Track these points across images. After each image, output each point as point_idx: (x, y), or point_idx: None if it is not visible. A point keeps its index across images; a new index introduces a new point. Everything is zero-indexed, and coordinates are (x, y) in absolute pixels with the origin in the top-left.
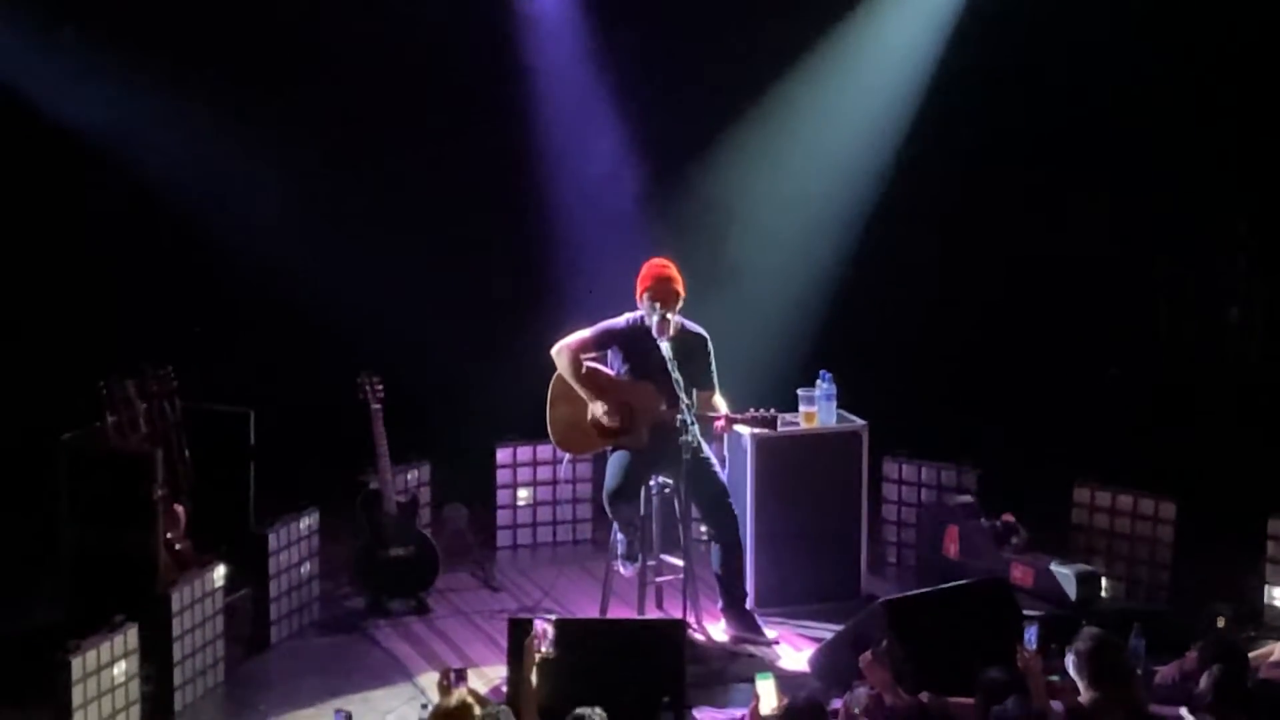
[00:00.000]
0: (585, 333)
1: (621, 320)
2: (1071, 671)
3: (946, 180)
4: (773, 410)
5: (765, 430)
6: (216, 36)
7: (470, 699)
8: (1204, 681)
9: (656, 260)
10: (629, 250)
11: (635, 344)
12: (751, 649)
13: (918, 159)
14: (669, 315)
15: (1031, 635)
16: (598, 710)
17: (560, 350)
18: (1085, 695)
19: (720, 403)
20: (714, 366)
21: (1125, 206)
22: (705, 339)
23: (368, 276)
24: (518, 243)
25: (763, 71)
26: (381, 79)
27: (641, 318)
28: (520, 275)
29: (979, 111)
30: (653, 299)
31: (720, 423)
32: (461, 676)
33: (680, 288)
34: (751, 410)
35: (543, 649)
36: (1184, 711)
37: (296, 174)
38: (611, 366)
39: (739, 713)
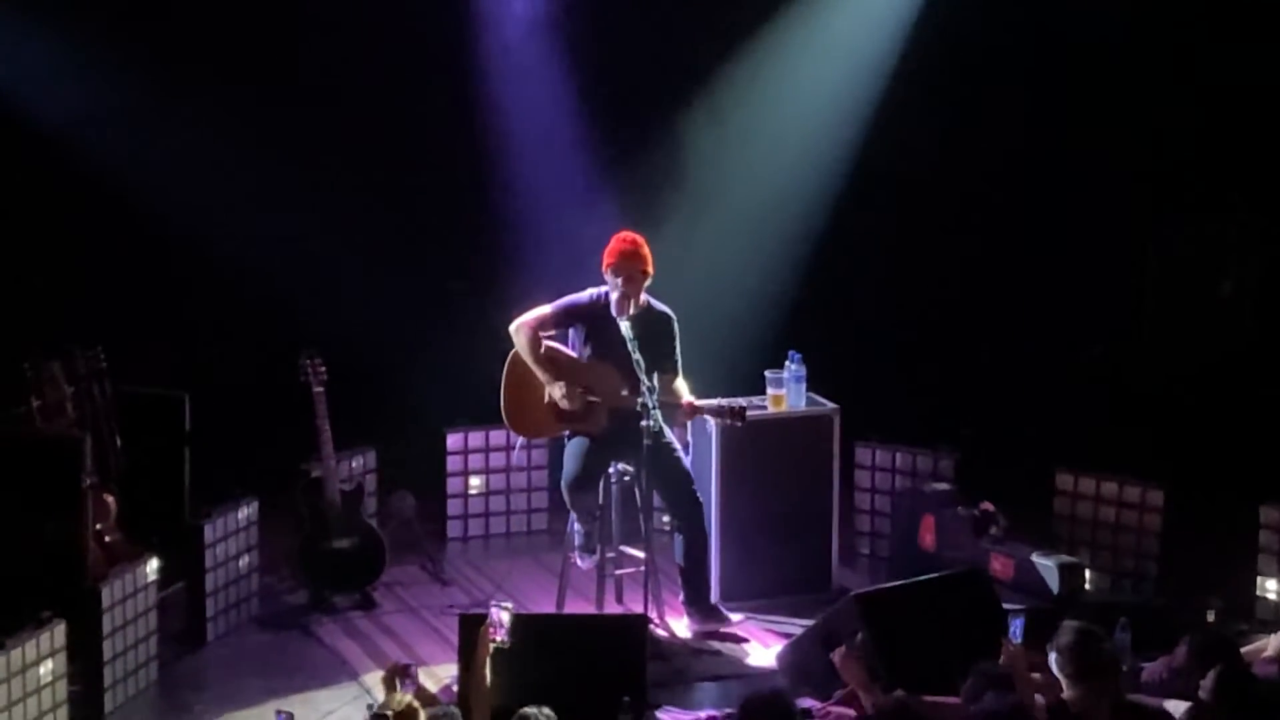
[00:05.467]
0: (545, 309)
1: (584, 296)
2: (1054, 667)
3: (921, 153)
4: (741, 404)
5: (735, 422)
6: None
7: (416, 702)
8: (1206, 684)
9: (627, 234)
10: (586, 227)
11: (598, 322)
12: (716, 645)
13: (891, 131)
14: (630, 293)
15: (1017, 629)
16: (545, 710)
17: (519, 327)
18: (1069, 691)
19: (683, 386)
20: (679, 349)
21: (1111, 179)
22: (671, 319)
23: (310, 250)
24: (469, 218)
25: (729, 44)
26: (327, 52)
27: (606, 294)
28: (471, 251)
29: (954, 83)
30: (616, 274)
31: (683, 411)
32: (409, 675)
33: (649, 267)
34: (719, 402)
35: (498, 638)
36: (1169, 704)
37: (234, 146)
38: (572, 346)
39: (703, 713)
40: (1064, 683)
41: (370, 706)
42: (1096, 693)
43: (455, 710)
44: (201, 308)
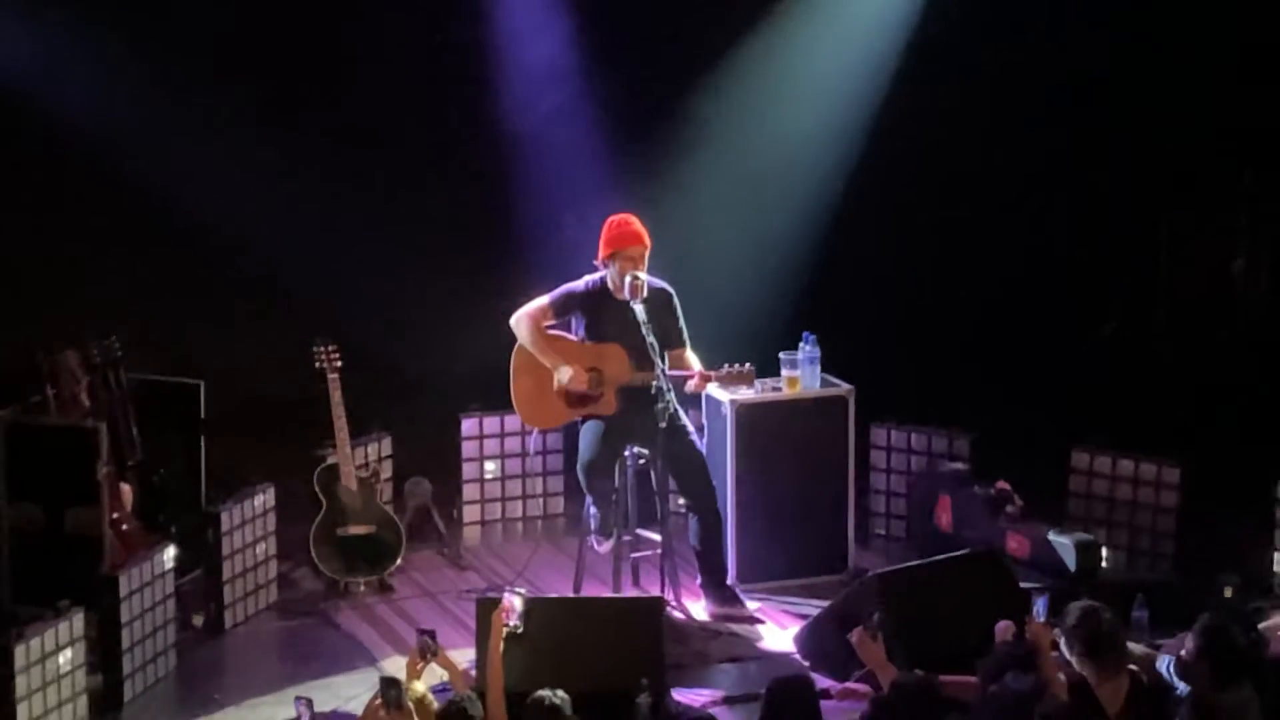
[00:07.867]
0: (544, 299)
1: (581, 283)
2: (1064, 649)
3: (935, 130)
4: (749, 365)
5: (742, 386)
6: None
7: (430, 695)
8: (1188, 644)
9: (619, 217)
10: (599, 208)
11: (597, 308)
12: (733, 627)
13: (905, 107)
14: (640, 275)
15: (1041, 607)
16: (559, 693)
17: (519, 320)
18: (1081, 671)
19: (693, 359)
20: (682, 321)
21: (1124, 157)
22: (670, 294)
23: (323, 237)
24: (480, 204)
25: (741, 17)
26: (335, 41)
27: (602, 279)
28: (484, 237)
29: (968, 60)
30: (622, 257)
31: (694, 381)
32: (431, 646)
33: (648, 241)
34: (726, 366)
35: (510, 623)
36: (1161, 665)
37: (247, 135)
38: (575, 333)
39: (720, 694)
40: (1075, 663)
41: (382, 680)
42: (1108, 667)
43: (473, 695)
44: (216, 295)
